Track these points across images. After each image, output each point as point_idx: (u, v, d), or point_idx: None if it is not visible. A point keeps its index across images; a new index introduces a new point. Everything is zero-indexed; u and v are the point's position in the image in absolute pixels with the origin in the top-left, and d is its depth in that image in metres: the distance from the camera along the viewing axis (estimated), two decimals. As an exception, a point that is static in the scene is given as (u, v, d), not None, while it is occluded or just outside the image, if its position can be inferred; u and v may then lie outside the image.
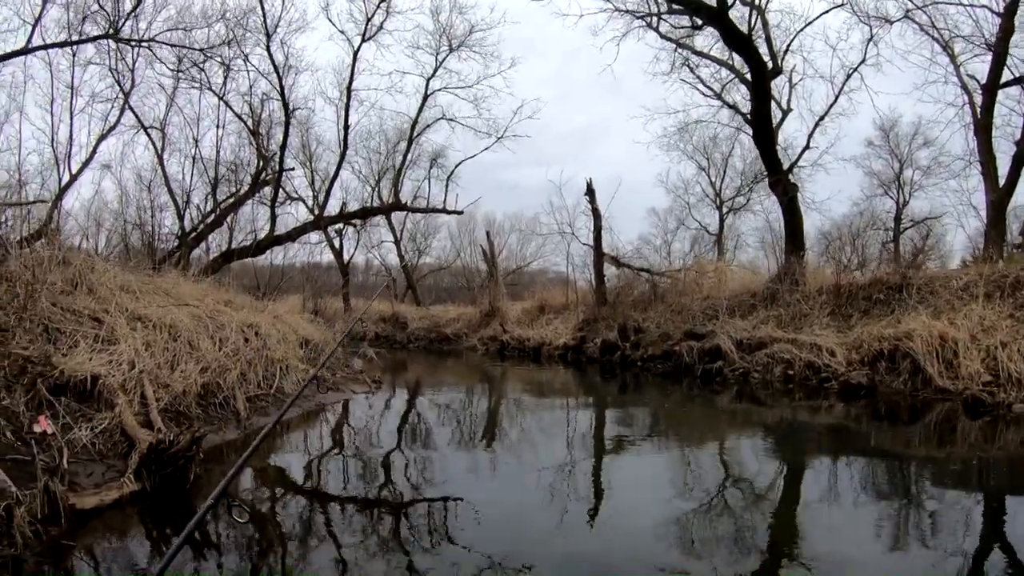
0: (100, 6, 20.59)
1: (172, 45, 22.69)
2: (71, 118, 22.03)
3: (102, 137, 23.08)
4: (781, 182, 21.24)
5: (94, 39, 21.29)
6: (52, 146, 21.40)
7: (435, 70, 30.48)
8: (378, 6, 27.35)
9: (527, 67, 70.58)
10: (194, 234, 24.49)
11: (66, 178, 21.45)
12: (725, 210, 41.38)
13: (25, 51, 19.78)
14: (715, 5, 19.24)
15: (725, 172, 40.98)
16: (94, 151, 22.68)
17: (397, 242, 42.68)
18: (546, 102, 77.41)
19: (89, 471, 6.51)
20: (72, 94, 22.12)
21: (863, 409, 12.00)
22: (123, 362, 8.49)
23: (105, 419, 7.38)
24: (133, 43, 21.99)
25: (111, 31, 20.90)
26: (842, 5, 21.80)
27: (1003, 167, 20.69)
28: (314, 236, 31.46)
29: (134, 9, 21.14)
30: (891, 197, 38.11)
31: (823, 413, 12.00)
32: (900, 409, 11.79)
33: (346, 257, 40.71)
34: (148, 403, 8.06)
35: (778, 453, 9.39)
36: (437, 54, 30.16)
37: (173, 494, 6.15)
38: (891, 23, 22.05)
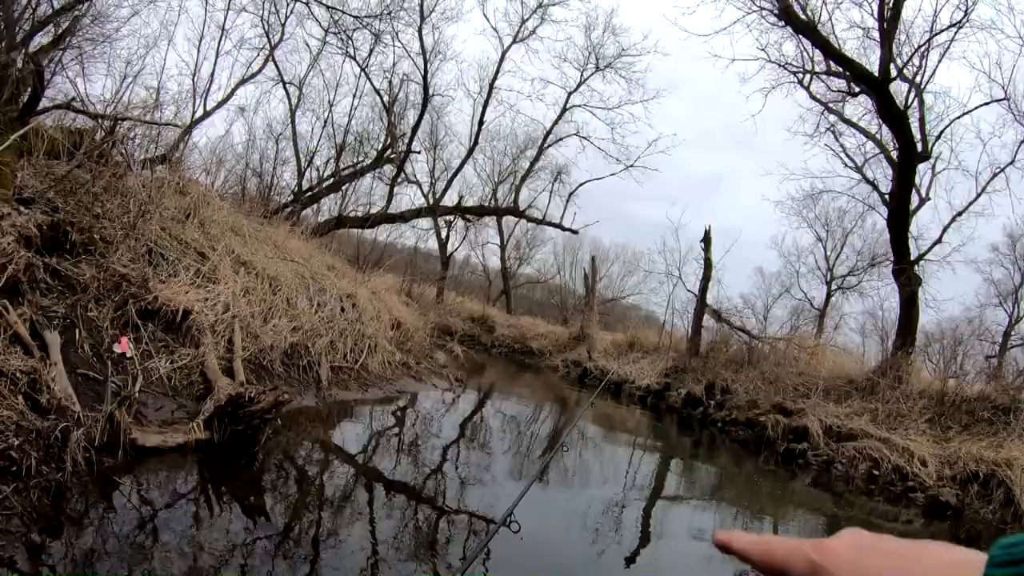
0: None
1: (328, 7, 22.88)
2: (216, 57, 22.77)
3: (242, 81, 23.88)
4: (906, 272, 20.47)
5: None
6: (193, 80, 22.08)
7: (578, 85, 30.43)
8: (535, 11, 27.46)
9: (663, 103, 70.14)
10: (310, 193, 24.75)
11: (200, 113, 21.88)
12: (834, 287, 40.34)
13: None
14: (878, 75, 18.61)
15: (842, 248, 39.94)
16: (232, 93, 23.44)
17: (503, 246, 42.62)
18: (681, 140, 76.88)
19: (159, 405, 6.39)
20: (221, 35, 22.94)
21: (944, 530, 11.33)
22: (218, 303, 8.44)
23: (188, 355, 7.29)
24: (290, -4, 22.23)
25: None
26: (1001, 100, 20.89)
27: None
28: (424, 222, 31.65)
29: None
30: (1005, 310, 36.69)
31: (901, 523, 11.39)
32: (983, 539, 11.08)
33: (449, 249, 40.77)
34: (234, 350, 7.95)
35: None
36: (583, 70, 30.17)
37: (240, 452, 5.93)
38: (1046, 126, 21.09)
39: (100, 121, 10.29)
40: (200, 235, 9.79)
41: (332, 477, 6.51)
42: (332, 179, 25.67)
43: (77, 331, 6.58)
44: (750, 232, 75.88)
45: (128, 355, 6.73)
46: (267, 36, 23.95)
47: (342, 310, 11.13)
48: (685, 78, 73.20)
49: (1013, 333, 36.16)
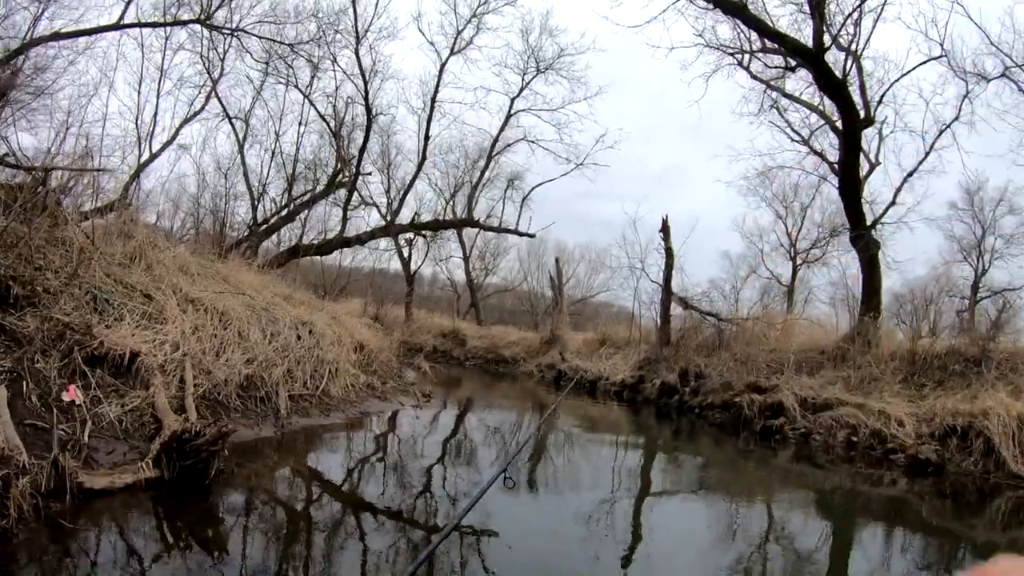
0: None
1: (260, 37, 23.06)
2: (157, 99, 22.56)
3: (186, 120, 23.70)
4: (863, 237, 20.52)
5: (184, 23, 21.68)
6: (136, 124, 21.82)
7: (520, 90, 30.31)
8: (469, 21, 27.43)
9: (611, 102, 70.27)
10: (265, 226, 24.67)
11: (146, 156, 21.70)
12: (799, 261, 40.52)
13: (116, 27, 20.13)
14: (811, 47, 18.71)
15: (803, 223, 40.11)
16: (176, 133, 23.26)
17: (466, 258, 42.62)
18: (629, 136, 76.96)
19: (111, 448, 6.30)
20: (161, 76, 22.71)
21: (928, 487, 11.33)
22: (167, 342, 8.30)
23: (138, 397, 7.17)
24: (223, 31, 22.44)
25: (202, 16, 21.19)
26: (939, 57, 21.03)
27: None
28: (383, 242, 31.64)
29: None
30: (970, 264, 36.99)
31: (885, 486, 11.39)
32: (967, 491, 11.11)
33: (413, 267, 40.67)
34: (186, 388, 7.82)
35: (830, 525, 8.85)
36: (524, 75, 30.05)
37: (191, 487, 5.83)
38: (988, 80, 21.24)
39: (33, 173, 10.15)
40: (147, 277, 9.68)
41: (283, 504, 6.42)
42: (286, 209, 25.55)
43: (24, 383, 6.50)
44: (713, 217, 76.00)
45: (77, 402, 6.63)
46: (208, 72, 23.88)
47: (298, 338, 11.03)
48: (635, 75, 73.48)
49: (981, 286, 36.53)
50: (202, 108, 24.20)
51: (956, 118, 21.77)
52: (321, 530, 5.75)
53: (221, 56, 23.81)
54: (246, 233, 23.30)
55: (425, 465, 8.95)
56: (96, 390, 6.99)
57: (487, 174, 31.59)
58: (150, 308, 8.87)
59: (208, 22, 21.67)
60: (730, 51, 22.07)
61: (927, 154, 22.83)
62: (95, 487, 5.37)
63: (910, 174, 23.17)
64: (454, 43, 27.67)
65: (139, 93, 21.97)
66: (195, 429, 6.00)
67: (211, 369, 8.58)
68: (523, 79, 30.07)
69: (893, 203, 23.35)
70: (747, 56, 22.31)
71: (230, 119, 25.05)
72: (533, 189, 31.64)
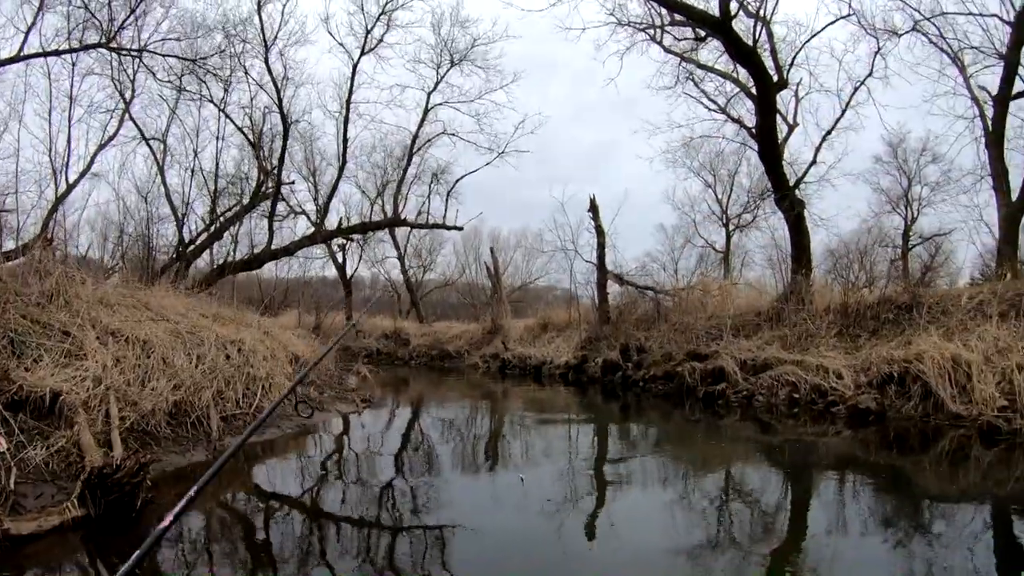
0: (92, 15, 20.44)
1: (164, 55, 22.59)
2: (69, 127, 21.89)
3: (101, 147, 23.17)
4: (787, 198, 20.80)
5: (87, 48, 21.14)
6: (50, 155, 21.21)
7: (436, 84, 30.20)
8: (378, 19, 27.19)
9: (541, 87, 70.42)
10: (193, 247, 24.27)
11: (63, 188, 21.19)
12: (732, 227, 40.92)
13: (17, 59, 19.59)
14: (718, 16, 18.84)
15: (732, 189, 40.52)
16: (92, 161, 22.67)
17: (401, 257, 42.53)
18: (554, 119, 77.57)
19: (39, 492, 6.14)
20: (71, 103, 22.00)
21: (872, 435, 11.47)
22: (88, 378, 8.10)
23: (63, 438, 6.99)
24: (126, 52, 21.86)
25: (104, 40, 20.66)
26: (848, 16, 21.34)
27: (1015, 180, 20.23)
28: (317, 250, 31.38)
29: (126, 19, 21.03)
30: (899, 214, 37.72)
31: (830, 439, 11.50)
32: (910, 435, 11.27)
33: (349, 272, 40.45)
34: (111, 422, 7.66)
35: (782, 481, 8.92)
36: (438, 68, 29.94)
37: (118, 522, 5.71)
38: (899, 35, 21.64)
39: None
40: (65, 314, 9.45)
41: (213, 524, 6.30)
42: (213, 227, 25.17)
43: (-56, 437, 6.33)
44: (645, 193, 76.75)
45: (2, 449, 6.47)
46: (120, 95, 23.37)
47: (227, 357, 10.85)
48: (562, 58, 73.94)
49: (911, 234, 37.28)
50: (116, 132, 23.74)
51: (870, 74, 22.38)
52: (252, 545, 5.66)
53: (131, 77, 23.37)
54: (173, 256, 22.89)
55: (359, 468, 8.89)
56: (20, 435, 6.82)
57: (411, 171, 31.44)
58: (69, 345, 8.66)
59: (113, 45, 21.14)
60: (641, 27, 22.36)
61: (843, 112, 23.40)
62: (22, 532, 5.25)
63: (828, 133, 23.67)
64: (364, 42, 27.44)
65: (50, 123, 21.29)
66: (115, 463, 5.89)
67: (137, 400, 8.39)
68: (438, 73, 29.97)
69: (814, 162, 23.84)
70: (659, 31, 22.63)
71: (147, 141, 24.44)
72: (457, 182, 31.56)
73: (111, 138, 23.54)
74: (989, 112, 20.99)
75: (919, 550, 5.72)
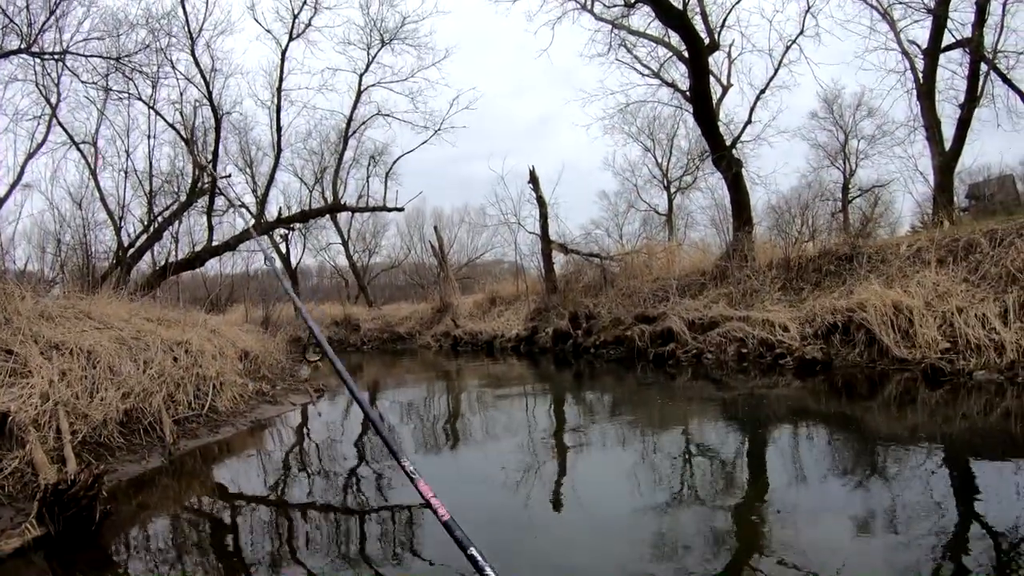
0: (10, 19, 19.91)
1: (87, 56, 22.04)
2: (-8, 139, 21.28)
3: (29, 156, 22.65)
4: (725, 158, 21.07)
5: (8, 54, 20.56)
6: (-24, 170, 20.56)
7: (367, 65, 29.91)
8: (304, 2, 26.76)
9: (477, 63, 70.29)
10: (132, 250, 23.78)
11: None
12: (673, 190, 41.24)
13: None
14: (646, -19, 18.93)
15: (671, 152, 40.89)
16: (22, 171, 22.19)
17: (345, 243, 42.39)
18: (492, 95, 77.66)
19: (-3, 517, 6.04)
20: (-8, 113, 21.34)
21: (820, 384, 11.70)
22: (35, 395, 7.96)
23: (16, 459, 6.88)
24: (48, 56, 21.34)
25: (25, 45, 20.13)
26: (778, -24, 21.60)
27: (948, 131, 20.76)
28: (262, 242, 31.02)
29: (46, 21, 20.47)
30: (838, 168, 38.43)
31: (780, 390, 11.67)
32: (858, 382, 11.51)
33: (294, 261, 40.20)
34: (63, 436, 7.55)
35: (739, 438, 9.01)
36: (369, 49, 29.64)
37: (79, 537, 5.66)
38: (830, -7, 21.94)
39: None
40: (5, 332, 9.26)
41: (175, 527, 6.24)
42: (152, 228, 24.72)
43: None
44: (587, 161, 77.25)
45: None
46: (46, 100, 22.77)
47: (175, 359, 10.71)
48: (494, 35, 73.81)
49: (851, 186, 37.98)
50: (44, 139, 23.23)
51: (801, 32, 22.76)
52: (222, 545, 5.63)
53: (56, 81, 22.70)
54: (113, 261, 22.46)
55: (320, 458, 8.84)
56: (-30, 461, 6.72)
57: (347, 155, 31.25)
58: (13, 364, 8.49)
59: (34, 49, 20.61)
60: (572, -5, 22.27)
61: (776, 71, 23.78)
62: (-19, 559, 5.18)
63: (762, 92, 24.00)
64: (292, 27, 27.02)
65: (-29, 136, 20.86)
66: (69, 478, 5.81)
67: (87, 412, 8.25)
68: (369, 53, 29.66)
69: (749, 122, 24.11)
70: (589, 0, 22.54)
71: (76, 146, 23.85)
72: (395, 162, 31.53)
73: (39, 146, 23.12)
74: (920, 65, 21.42)
75: (875, 490, 5.85)
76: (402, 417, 11.76)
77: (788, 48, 23.15)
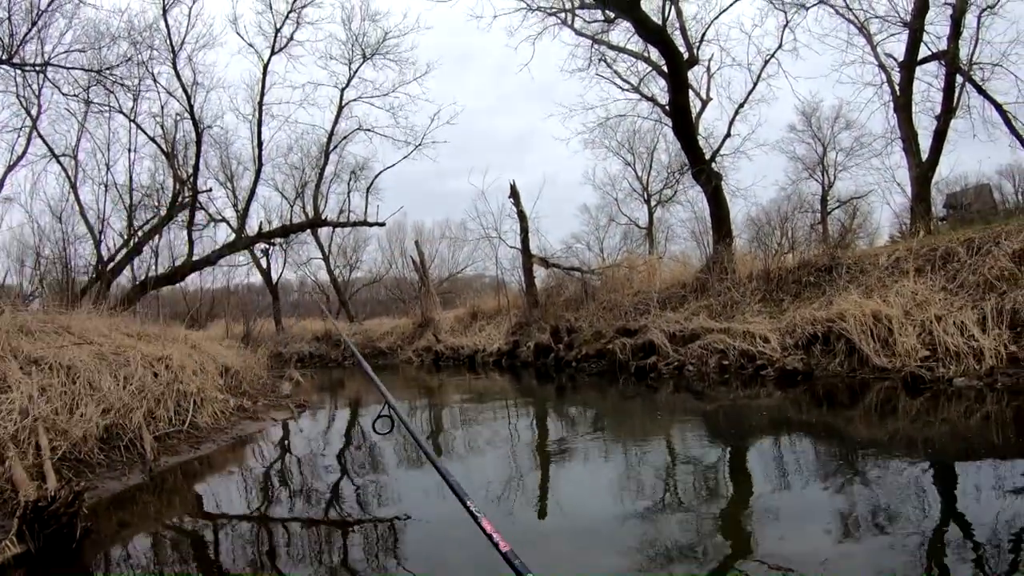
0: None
1: (68, 68, 21.88)
2: (-28, 151, 21.16)
3: (9, 168, 22.52)
4: (704, 172, 21.20)
5: (-15, 66, 20.32)
6: (-44, 183, 20.43)
7: (349, 80, 29.82)
8: (287, 17, 26.75)
9: (458, 78, 70.42)
10: (112, 264, 23.64)
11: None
12: (653, 203, 41.34)
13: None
14: (626, -3, 19.04)
15: (651, 165, 40.98)
16: (1, 184, 22.04)
17: (326, 258, 42.19)
18: (473, 110, 77.87)
19: (-24, 535, 5.97)
20: (-28, 126, 21.22)
21: (801, 394, 11.77)
22: (15, 411, 7.90)
23: (-4, 476, 6.82)
24: (29, 68, 21.15)
25: (6, 56, 19.99)
26: (756, -10, 21.79)
27: (924, 142, 21.05)
28: (240, 257, 30.93)
29: (28, 32, 20.28)
30: (816, 180, 38.71)
31: (762, 401, 11.72)
32: (839, 391, 11.58)
33: (275, 277, 39.99)
34: (43, 453, 7.49)
35: (722, 448, 9.02)
36: (351, 63, 29.58)
37: (59, 554, 5.60)
38: (807, 8, 22.18)
39: None
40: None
41: (155, 543, 6.20)
42: (132, 242, 24.58)
43: None
44: (568, 175, 77.63)
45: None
46: (26, 112, 22.70)
47: (155, 375, 10.64)
48: (475, 51, 74.05)
49: (829, 198, 38.26)
50: (24, 152, 23.08)
51: (779, 47, 22.96)
52: (206, 562, 5.59)
53: (36, 93, 22.70)
54: (93, 276, 22.32)
55: (302, 473, 8.79)
56: (-50, 478, 6.66)
57: (328, 170, 31.07)
58: (-9, 379, 8.46)
59: (16, 60, 20.40)
60: (552, 11, 22.55)
61: (755, 85, 23.94)
62: (-41, 579, 5.13)
63: (741, 105, 24.13)
64: (274, 42, 27.02)
65: (-48, 148, 20.73)
66: (49, 495, 5.76)
67: (66, 428, 8.18)
68: (350, 68, 29.63)
69: (728, 135, 24.24)
70: (569, 14, 22.78)
71: (57, 158, 23.66)
72: (376, 177, 31.32)
73: (19, 158, 22.96)
74: (896, 78, 21.72)
75: (857, 496, 5.89)
76: (367, 435, 11.70)
77: (767, 62, 23.36)
